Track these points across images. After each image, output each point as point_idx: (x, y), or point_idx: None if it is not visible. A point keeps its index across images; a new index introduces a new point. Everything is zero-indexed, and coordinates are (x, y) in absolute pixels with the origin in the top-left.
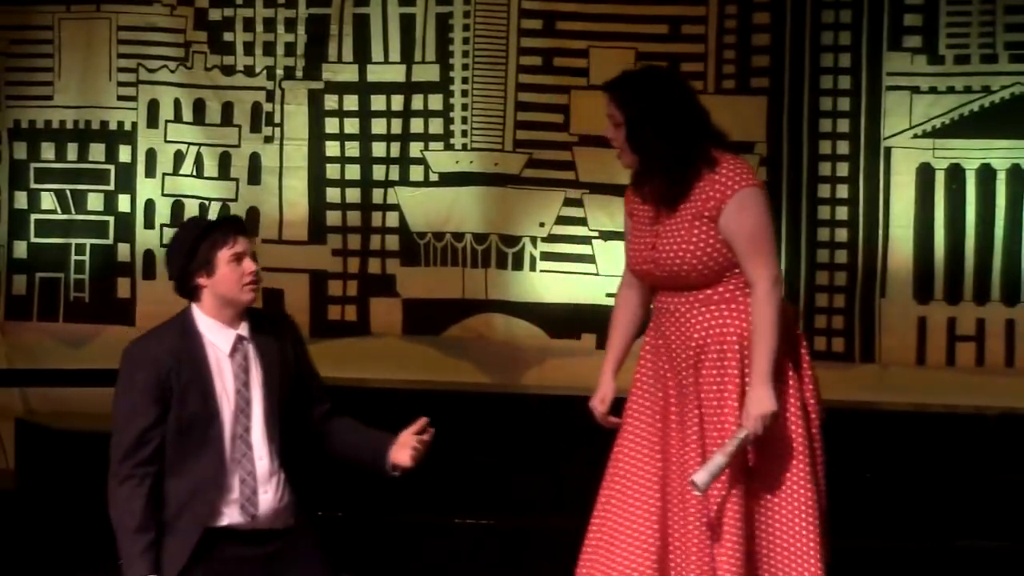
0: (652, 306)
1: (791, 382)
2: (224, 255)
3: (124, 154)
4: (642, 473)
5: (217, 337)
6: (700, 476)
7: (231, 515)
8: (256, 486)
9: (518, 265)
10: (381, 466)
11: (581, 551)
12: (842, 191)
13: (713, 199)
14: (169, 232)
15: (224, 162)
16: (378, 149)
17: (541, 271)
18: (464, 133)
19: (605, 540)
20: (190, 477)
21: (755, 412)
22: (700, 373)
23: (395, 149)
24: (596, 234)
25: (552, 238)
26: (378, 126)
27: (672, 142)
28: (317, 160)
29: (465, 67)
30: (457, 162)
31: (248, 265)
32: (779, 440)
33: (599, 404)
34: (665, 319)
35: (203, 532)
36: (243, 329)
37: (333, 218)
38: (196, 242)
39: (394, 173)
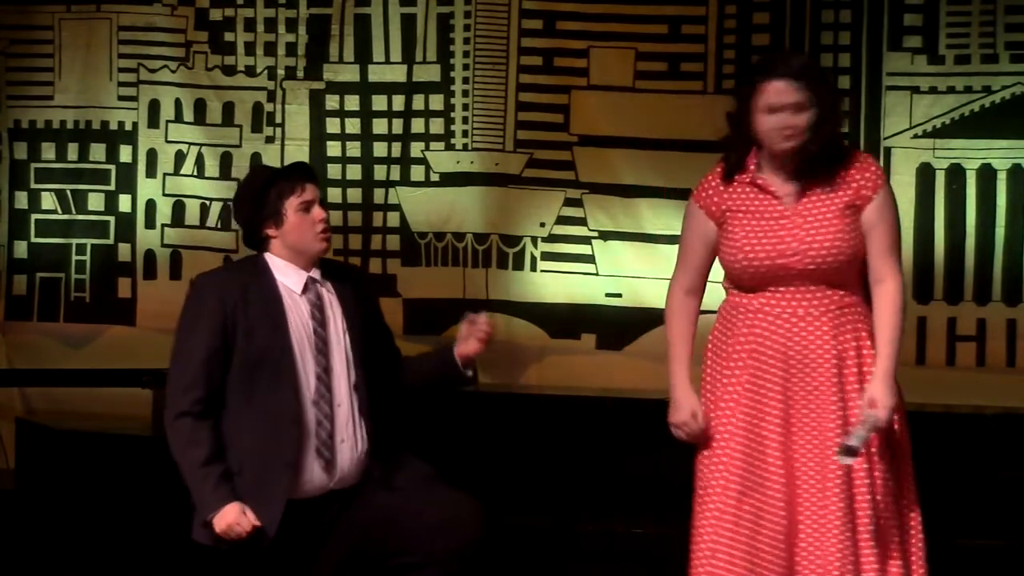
0: (743, 309)
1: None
2: (292, 203)
3: (125, 154)
4: (767, 486)
5: (288, 278)
6: (853, 441)
7: (310, 462)
8: (332, 430)
9: (519, 265)
10: (453, 370)
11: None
12: None
13: (866, 189)
14: (170, 232)
15: (225, 162)
16: (379, 149)
17: (541, 271)
18: (465, 133)
19: (740, 552)
20: (264, 414)
21: (890, 403)
22: (844, 377)
23: (396, 149)
24: (596, 234)
25: (552, 238)
26: (379, 126)
27: (840, 127)
28: (318, 160)
29: (466, 67)
30: (458, 162)
31: (318, 213)
32: (902, 441)
33: (693, 420)
34: (781, 322)
35: (289, 502)
36: (315, 273)
37: (334, 218)
38: (263, 191)
39: (395, 173)
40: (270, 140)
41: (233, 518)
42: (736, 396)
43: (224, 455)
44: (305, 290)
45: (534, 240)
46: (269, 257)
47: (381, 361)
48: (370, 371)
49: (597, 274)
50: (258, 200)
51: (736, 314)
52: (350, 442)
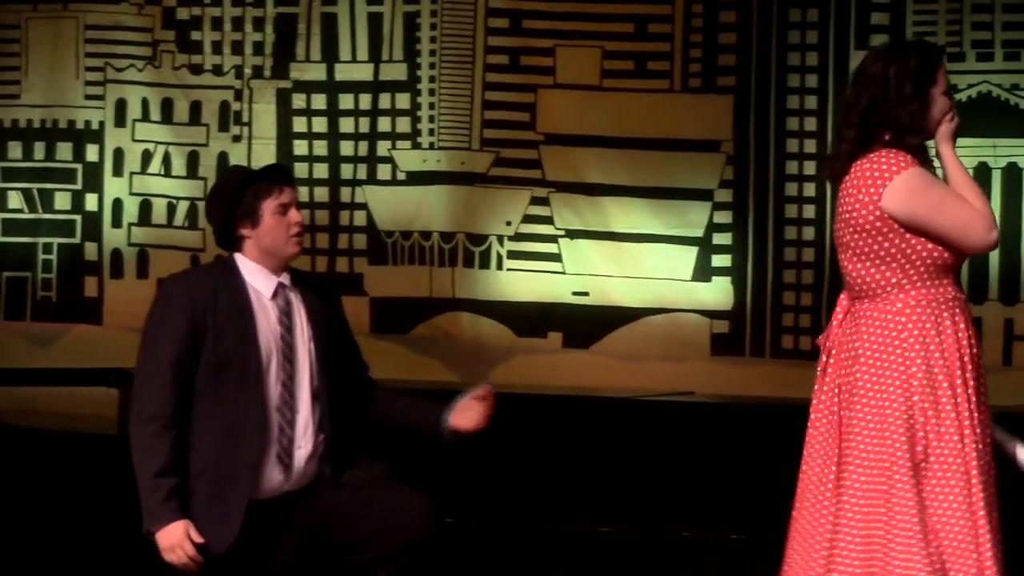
0: (944, 302)
1: None
2: (269, 205)
3: (91, 153)
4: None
5: (259, 281)
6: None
7: (270, 467)
8: (292, 436)
9: (485, 264)
10: (436, 431)
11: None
12: (809, 189)
13: None
14: (137, 231)
15: (192, 161)
16: (346, 148)
17: (508, 270)
18: (431, 132)
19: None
20: (229, 417)
21: None
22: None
23: (363, 148)
24: (562, 233)
25: (519, 237)
26: (346, 125)
27: None
28: (285, 159)
29: (432, 66)
30: (424, 161)
31: (294, 216)
32: None
33: None
34: (967, 312)
35: (248, 504)
36: (285, 279)
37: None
38: (240, 190)
39: (362, 172)
40: (237, 139)
41: (176, 539)
42: (966, 393)
43: (180, 468)
44: (275, 295)
45: (500, 239)
46: (240, 259)
47: (343, 372)
48: (332, 381)
49: (564, 273)
50: (235, 199)
51: (939, 307)
52: (307, 448)
